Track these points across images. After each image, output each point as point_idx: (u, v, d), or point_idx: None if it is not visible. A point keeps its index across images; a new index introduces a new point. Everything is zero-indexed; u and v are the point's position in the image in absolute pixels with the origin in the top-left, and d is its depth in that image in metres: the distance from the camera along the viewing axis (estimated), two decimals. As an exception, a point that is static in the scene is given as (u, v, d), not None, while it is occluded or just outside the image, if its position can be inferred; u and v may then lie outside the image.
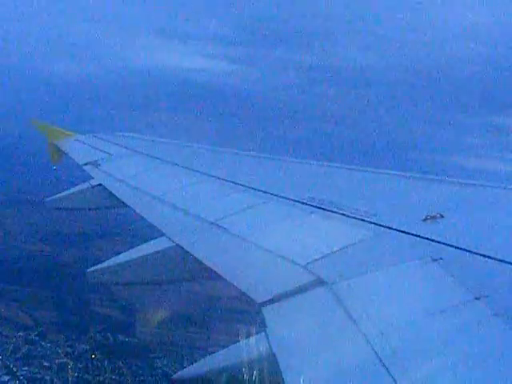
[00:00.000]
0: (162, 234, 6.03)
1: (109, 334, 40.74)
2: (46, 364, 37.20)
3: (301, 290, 4.03)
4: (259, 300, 4.07)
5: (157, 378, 37.14)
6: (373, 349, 3.05)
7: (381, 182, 7.08)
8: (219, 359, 3.84)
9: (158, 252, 5.80)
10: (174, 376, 3.90)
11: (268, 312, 3.88)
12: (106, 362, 37.67)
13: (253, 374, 3.49)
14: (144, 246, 6.08)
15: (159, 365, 38.16)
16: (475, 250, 4.01)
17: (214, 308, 42.64)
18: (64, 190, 10.01)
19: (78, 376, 36.38)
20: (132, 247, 6.22)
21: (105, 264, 6.12)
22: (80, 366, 37.05)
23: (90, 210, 10.20)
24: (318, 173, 8.11)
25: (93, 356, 38.15)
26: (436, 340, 3.07)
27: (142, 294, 41.12)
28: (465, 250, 4.07)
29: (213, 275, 4.94)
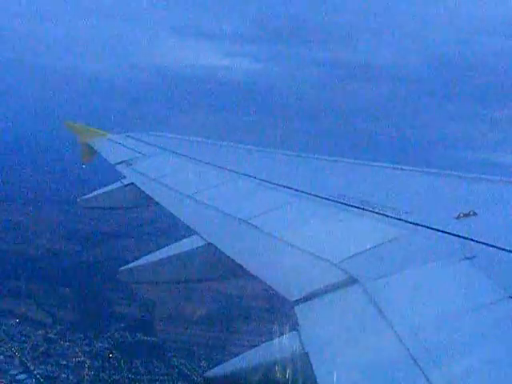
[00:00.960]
0: (195, 233, 6.07)
1: (127, 333, 40.96)
2: (63, 362, 37.53)
3: (333, 288, 4.03)
4: (292, 298, 4.08)
5: (173, 377, 37.24)
6: (405, 347, 3.04)
7: (412, 180, 7.04)
8: (252, 358, 3.86)
9: (190, 251, 5.83)
10: (207, 373, 3.92)
11: (300, 310, 3.89)
12: (122, 361, 37.94)
13: (285, 372, 3.50)
14: (176, 244, 6.12)
15: (176, 364, 38.29)
16: (509, 248, 3.98)
17: (240, 307, 42.69)
18: (96, 189, 10.10)
19: (94, 374, 36.61)
20: (164, 246, 6.27)
21: (137, 263, 6.18)
22: (97, 364, 37.30)
23: (122, 208, 10.29)
24: (347, 170, 8.09)
25: (110, 355, 38.37)
26: (469, 338, 3.06)
27: (167, 293, 41.42)
28: (498, 247, 4.03)
29: (245, 273, 4.96)
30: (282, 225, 5.78)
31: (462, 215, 4.80)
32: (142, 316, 43.88)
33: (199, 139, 12.14)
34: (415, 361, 2.90)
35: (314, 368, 3.17)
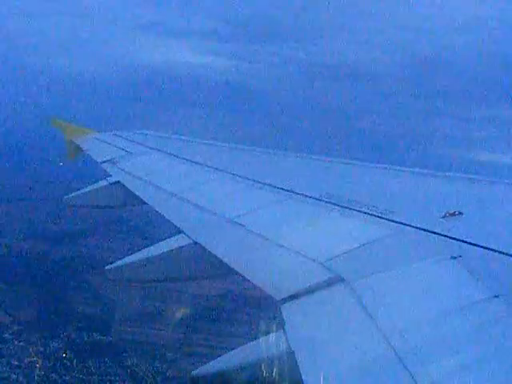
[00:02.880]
0: (180, 232, 6.05)
1: (84, 333, 40.42)
2: (14, 363, 36.81)
3: (319, 287, 4.03)
4: (278, 297, 4.07)
5: (123, 377, 36.95)
6: (391, 346, 3.04)
7: (399, 179, 7.07)
8: (238, 356, 3.85)
9: (176, 249, 5.82)
10: (193, 372, 3.90)
11: (286, 309, 3.89)
12: (75, 361, 37.40)
13: (271, 371, 3.50)
14: (162, 243, 6.10)
15: (129, 364, 37.95)
16: (494, 248, 3.99)
17: (220, 307, 42.64)
18: (82, 187, 10.05)
19: (44, 375, 36.07)
20: (150, 244, 6.25)
21: (123, 261, 6.15)
22: (49, 364, 36.78)
23: (107, 207, 10.24)
24: (333, 169, 8.10)
25: (64, 355, 37.88)
26: (455, 337, 3.07)
27: (139, 292, 41.26)
28: (484, 247, 4.05)
29: (231, 272, 4.95)
30: (268, 224, 5.78)
31: (448, 215, 4.82)
32: (103, 316, 43.36)
33: (185, 138, 12.12)
34: (401, 360, 2.91)
35: (299, 366, 3.17)
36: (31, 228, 55.86)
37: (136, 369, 37.27)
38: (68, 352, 38.02)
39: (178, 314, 41.55)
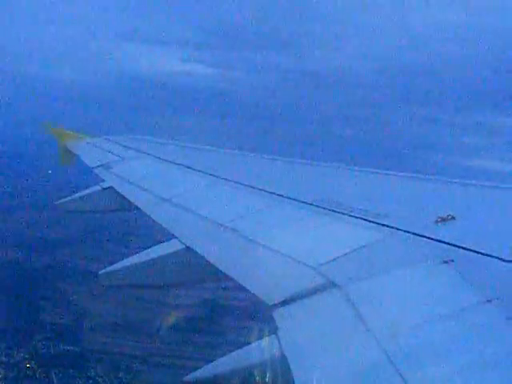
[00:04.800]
0: (173, 237, 6.04)
1: (51, 343, 39.97)
2: None
3: (312, 292, 4.02)
4: (270, 302, 4.07)
5: None
6: (384, 351, 3.04)
7: (391, 184, 7.07)
8: (231, 361, 3.84)
9: (168, 254, 5.81)
10: (186, 378, 3.89)
11: (279, 314, 3.88)
12: (38, 372, 37.01)
13: (264, 376, 3.49)
14: (155, 248, 6.08)
15: (92, 374, 37.62)
16: (487, 252, 4.00)
17: (201, 314, 42.44)
18: (74, 192, 10.02)
19: None
20: (142, 250, 6.23)
21: (115, 266, 6.13)
22: (11, 375, 36.36)
23: (100, 212, 10.22)
24: (325, 174, 8.11)
25: (27, 365, 37.48)
26: (447, 343, 3.07)
27: (112, 301, 40.91)
28: (476, 251, 4.05)
29: (224, 277, 4.94)
30: (260, 229, 5.77)
31: (440, 219, 4.82)
32: (72, 325, 42.88)
33: (179, 143, 12.11)
34: (394, 364, 2.91)
35: (292, 372, 3.17)
36: (13, 235, 55.18)
37: (99, 380, 36.96)
38: (32, 363, 37.52)
39: (154, 324, 41.23)
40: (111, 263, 6.18)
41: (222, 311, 42.51)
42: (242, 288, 4.51)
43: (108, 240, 53.00)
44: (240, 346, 3.85)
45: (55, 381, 36.50)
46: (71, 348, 40.03)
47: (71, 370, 37.50)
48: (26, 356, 38.14)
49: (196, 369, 3.87)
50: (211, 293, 42.63)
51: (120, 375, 37.78)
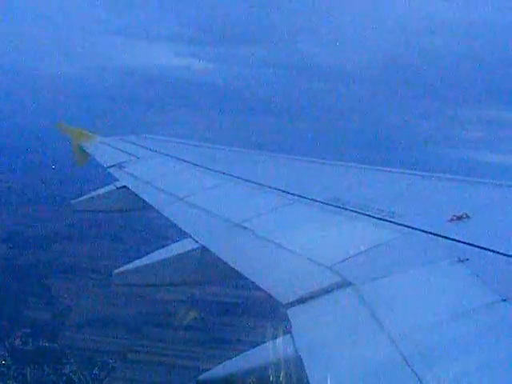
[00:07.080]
0: (187, 236, 6.05)
1: (30, 340, 39.86)
2: None
3: (326, 291, 4.02)
4: (284, 301, 4.07)
5: None
6: (399, 351, 3.03)
7: (405, 182, 7.05)
8: (245, 361, 3.84)
9: (183, 254, 5.82)
10: (200, 377, 3.89)
11: (293, 314, 3.88)
12: (13, 369, 36.96)
13: (278, 376, 3.49)
14: (169, 247, 6.10)
15: (67, 371, 37.51)
16: (502, 251, 3.98)
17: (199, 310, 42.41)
18: (88, 192, 10.08)
19: None
20: (157, 249, 6.25)
21: (129, 266, 6.15)
22: None
23: (114, 212, 10.27)
24: (340, 173, 8.10)
25: (3, 362, 37.49)
26: (462, 342, 3.05)
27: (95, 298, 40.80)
28: (491, 250, 4.03)
29: (238, 276, 4.95)
30: (275, 228, 5.78)
31: (455, 218, 4.80)
32: (53, 322, 42.84)
33: (191, 142, 12.14)
34: (409, 364, 2.90)
35: (307, 371, 3.16)
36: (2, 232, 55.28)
37: (73, 376, 36.89)
38: (8, 359, 37.55)
39: (138, 320, 41.13)
40: (124, 263, 6.21)
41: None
42: (256, 287, 4.51)
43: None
44: (254, 345, 3.85)
45: (29, 378, 36.47)
46: (50, 345, 39.94)
47: (45, 367, 37.30)
48: (2, 352, 38.15)
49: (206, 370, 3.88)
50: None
51: (95, 371, 37.74)
